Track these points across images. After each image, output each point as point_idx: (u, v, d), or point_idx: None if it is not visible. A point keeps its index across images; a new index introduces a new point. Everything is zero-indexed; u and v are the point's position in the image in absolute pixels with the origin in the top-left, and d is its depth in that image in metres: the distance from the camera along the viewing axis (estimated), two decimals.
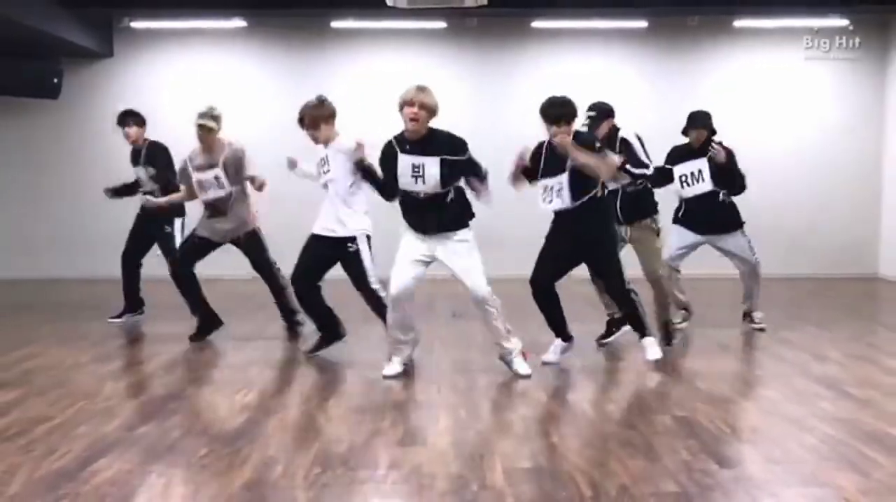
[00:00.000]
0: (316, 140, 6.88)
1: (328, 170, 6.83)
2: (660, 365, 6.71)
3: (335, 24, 11.77)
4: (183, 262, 7.71)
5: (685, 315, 8.00)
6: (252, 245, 7.74)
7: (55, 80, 11.59)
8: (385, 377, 6.38)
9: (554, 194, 6.49)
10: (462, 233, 6.37)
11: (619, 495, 4.08)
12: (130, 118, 8.53)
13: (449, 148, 6.22)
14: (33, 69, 11.44)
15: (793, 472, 4.45)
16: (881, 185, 12.54)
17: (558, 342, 6.84)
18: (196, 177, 7.56)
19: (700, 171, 7.62)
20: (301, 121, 6.89)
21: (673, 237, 7.85)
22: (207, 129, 7.43)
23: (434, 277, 6.71)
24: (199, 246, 7.69)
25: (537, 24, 11.88)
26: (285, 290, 7.70)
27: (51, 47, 11.31)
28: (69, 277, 11.93)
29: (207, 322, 7.78)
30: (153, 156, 8.44)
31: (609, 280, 6.86)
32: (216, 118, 7.46)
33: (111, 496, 4.07)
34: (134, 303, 8.73)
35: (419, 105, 6.18)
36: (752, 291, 8.05)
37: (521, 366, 6.45)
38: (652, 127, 11.87)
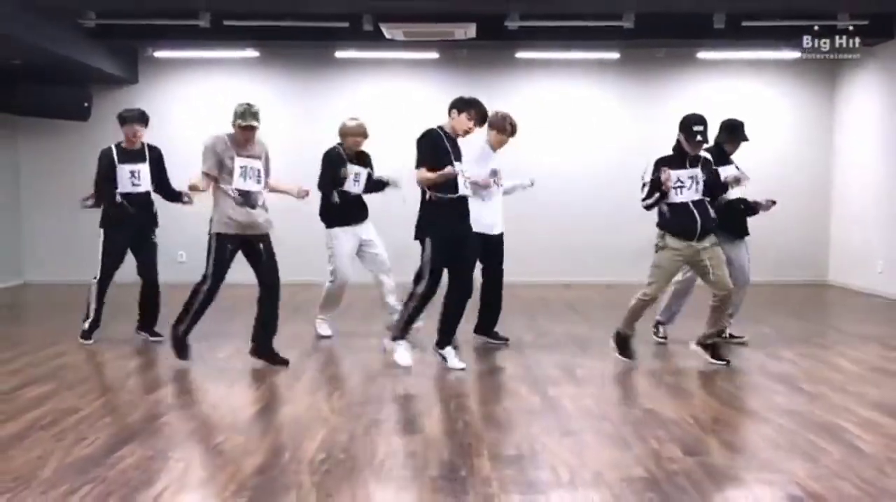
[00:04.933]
0: (501, 145, 7.21)
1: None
2: (634, 364, 6.73)
3: (339, 54, 11.79)
4: (220, 278, 6.57)
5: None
6: (270, 247, 6.70)
7: (86, 104, 11.59)
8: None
9: (468, 182, 6.55)
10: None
11: (593, 480, 4.09)
12: (142, 119, 7.66)
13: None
14: (66, 94, 11.45)
15: (750, 459, 4.46)
16: (830, 198, 12.60)
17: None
18: (240, 162, 6.50)
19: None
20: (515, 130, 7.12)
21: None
22: (254, 129, 6.52)
23: None
24: (231, 254, 6.57)
25: (521, 54, 11.91)
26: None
27: (82, 74, 11.31)
28: None
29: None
30: (159, 157, 7.73)
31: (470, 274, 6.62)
32: (256, 115, 6.48)
33: (135, 480, 4.06)
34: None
35: None
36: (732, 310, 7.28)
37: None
38: (623, 145, 12.09)
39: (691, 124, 6.39)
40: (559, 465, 4.30)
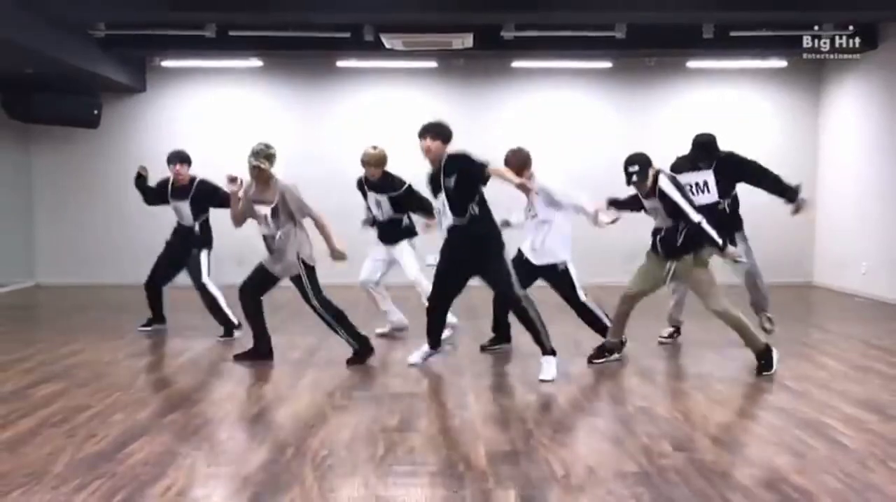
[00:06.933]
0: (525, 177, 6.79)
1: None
2: (624, 363, 6.73)
3: (340, 63, 11.80)
4: (245, 291, 6.75)
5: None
6: (304, 284, 6.58)
7: (95, 112, 11.59)
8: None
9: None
10: None
11: (586, 475, 4.10)
12: (177, 158, 7.80)
13: None
14: (77, 102, 11.44)
15: (738, 454, 4.47)
16: (815, 201, 12.57)
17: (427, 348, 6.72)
18: (256, 208, 6.56)
19: (706, 183, 7.08)
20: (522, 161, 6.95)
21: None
22: (260, 170, 6.44)
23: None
24: (263, 277, 6.70)
25: (516, 63, 11.92)
26: (343, 324, 6.75)
27: (92, 83, 11.31)
28: (112, 283, 11.87)
29: (262, 348, 6.91)
30: (202, 194, 7.77)
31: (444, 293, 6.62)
32: (269, 157, 6.46)
33: (144, 474, 4.06)
34: (160, 317, 8.28)
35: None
36: (756, 294, 7.80)
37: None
38: (615, 151, 12.00)
39: (625, 165, 6.24)
40: (554, 461, 4.30)
